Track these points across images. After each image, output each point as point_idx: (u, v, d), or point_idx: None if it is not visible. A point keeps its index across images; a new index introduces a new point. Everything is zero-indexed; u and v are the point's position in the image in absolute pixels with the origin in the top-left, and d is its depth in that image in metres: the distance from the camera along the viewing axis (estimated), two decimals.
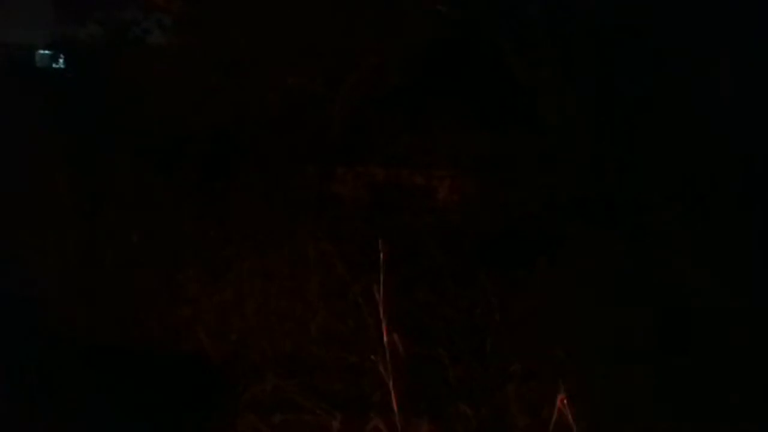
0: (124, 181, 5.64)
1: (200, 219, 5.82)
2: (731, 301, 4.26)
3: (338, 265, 4.74)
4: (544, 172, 5.46)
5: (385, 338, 4.04)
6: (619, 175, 5.14)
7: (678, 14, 5.49)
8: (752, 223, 4.59)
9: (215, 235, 5.71)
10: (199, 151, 6.08)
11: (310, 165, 6.45)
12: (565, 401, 3.68)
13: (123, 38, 7.35)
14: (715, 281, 4.31)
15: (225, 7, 6.76)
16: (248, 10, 6.85)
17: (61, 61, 7.76)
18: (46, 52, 7.67)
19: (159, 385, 4.67)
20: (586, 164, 5.35)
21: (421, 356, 4.27)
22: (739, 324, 4.19)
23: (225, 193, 6.15)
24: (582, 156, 5.36)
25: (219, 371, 4.77)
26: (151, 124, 6.22)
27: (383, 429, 3.84)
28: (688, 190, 4.84)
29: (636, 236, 4.57)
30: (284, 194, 6.05)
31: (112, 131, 6.65)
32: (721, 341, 4.16)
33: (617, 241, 4.51)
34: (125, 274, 5.45)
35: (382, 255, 4.49)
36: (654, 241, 4.57)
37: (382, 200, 6.30)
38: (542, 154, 5.58)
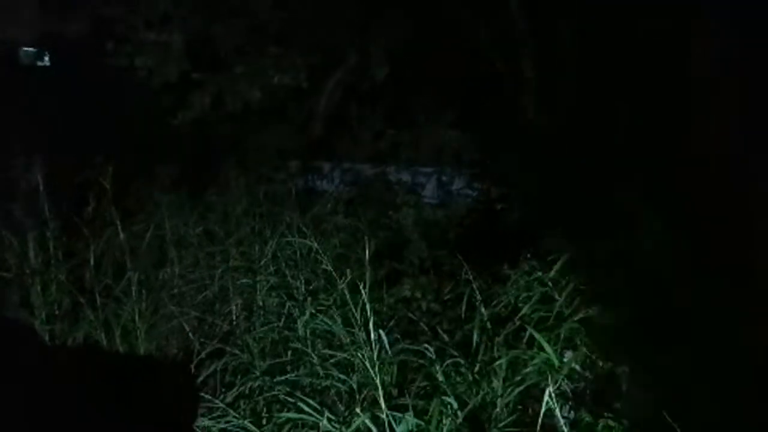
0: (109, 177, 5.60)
1: (184, 214, 5.81)
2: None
3: (323, 261, 4.71)
4: (526, 167, 5.47)
5: (372, 334, 4.03)
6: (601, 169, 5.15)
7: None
8: None
9: (198, 231, 5.70)
10: (183, 146, 6.07)
11: (294, 160, 6.46)
12: (552, 396, 3.66)
13: (109, 35, 7.32)
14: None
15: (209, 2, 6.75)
16: (233, 6, 6.85)
17: (46, 58, 7.68)
18: (31, 49, 7.60)
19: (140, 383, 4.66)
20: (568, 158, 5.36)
21: (407, 352, 4.25)
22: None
23: (208, 189, 6.14)
24: (565, 150, 5.37)
25: (204, 368, 4.75)
26: (136, 119, 6.20)
27: (370, 425, 3.81)
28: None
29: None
30: (268, 190, 6.04)
31: (98, 128, 6.63)
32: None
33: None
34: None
35: (367, 250, 4.50)
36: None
37: (368, 195, 6.30)
38: (524, 149, 5.60)
